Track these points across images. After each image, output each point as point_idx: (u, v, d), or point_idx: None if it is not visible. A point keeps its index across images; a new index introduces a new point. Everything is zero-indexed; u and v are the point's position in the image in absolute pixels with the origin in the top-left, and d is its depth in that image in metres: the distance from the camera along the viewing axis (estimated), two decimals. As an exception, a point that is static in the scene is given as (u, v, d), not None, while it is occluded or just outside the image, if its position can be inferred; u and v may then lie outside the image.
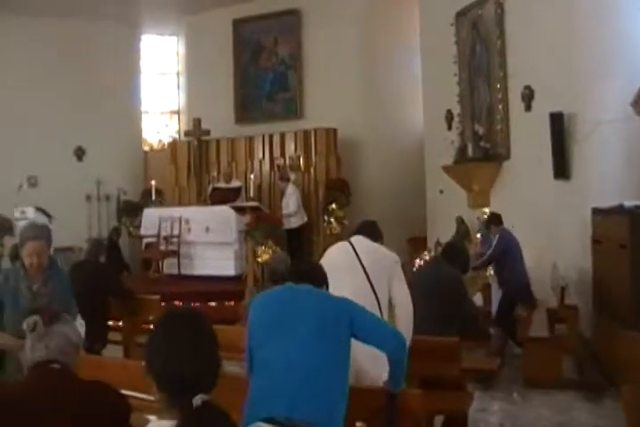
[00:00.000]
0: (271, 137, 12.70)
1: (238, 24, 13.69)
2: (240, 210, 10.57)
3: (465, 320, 4.99)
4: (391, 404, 3.05)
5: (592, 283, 6.65)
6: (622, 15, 6.96)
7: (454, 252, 5.41)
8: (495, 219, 7.84)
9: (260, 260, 9.11)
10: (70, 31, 13.29)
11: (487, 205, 9.27)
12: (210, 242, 10.70)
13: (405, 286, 4.08)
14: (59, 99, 13.22)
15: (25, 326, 2.34)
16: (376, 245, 4.21)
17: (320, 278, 3.18)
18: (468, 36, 9.52)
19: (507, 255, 7.39)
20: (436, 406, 4.03)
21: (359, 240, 4.17)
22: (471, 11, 9.38)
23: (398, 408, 3.04)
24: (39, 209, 10.93)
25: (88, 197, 13.36)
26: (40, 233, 4.31)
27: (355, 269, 3.96)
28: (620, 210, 6.05)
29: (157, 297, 6.54)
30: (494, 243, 7.66)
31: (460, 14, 9.63)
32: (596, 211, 6.54)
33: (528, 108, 8.23)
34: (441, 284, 5.04)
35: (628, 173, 6.79)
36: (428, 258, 8.91)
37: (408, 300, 4.04)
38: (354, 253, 4.04)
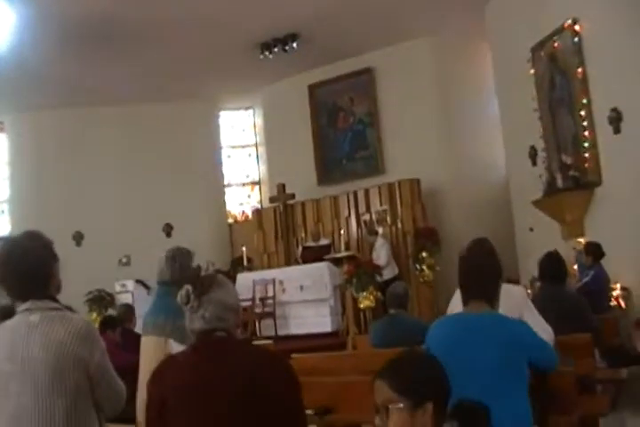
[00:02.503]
0: (355, 194, 12.84)
1: (313, 89, 14.09)
2: (336, 262, 10.61)
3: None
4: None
5: None
6: None
7: (550, 264, 5.41)
8: (593, 250, 7.64)
9: (361, 306, 9.07)
10: (153, 114, 14.15)
11: (582, 234, 9.07)
12: (305, 300, 10.74)
13: (537, 314, 4.02)
14: (146, 179, 13.99)
15: (179, 298, 2.34)
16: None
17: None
18: (546, 69, 9.58)
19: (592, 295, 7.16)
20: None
21: None
22: (547, 44, 9.47)
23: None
24: (139, 281, 11.27)
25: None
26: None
27: None
28: None
29: (270, 342, 6.55)
30: (587, 280, 7.45)
31: (536, 49, 9.72)
32: None
33: (617, 130, 8.14)
34: (562, 304, 4.99)
35: None
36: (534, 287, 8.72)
37: (545, 327, 3.95)
38: None
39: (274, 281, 11.00)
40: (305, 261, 11.62)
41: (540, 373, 3.08)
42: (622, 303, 7.65)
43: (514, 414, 2.73)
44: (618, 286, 7.69)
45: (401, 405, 1.94)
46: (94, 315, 11.15)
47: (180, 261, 4.06)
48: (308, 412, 3.90)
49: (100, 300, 12.00)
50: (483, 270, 3.08)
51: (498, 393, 2.69)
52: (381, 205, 12.42)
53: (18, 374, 2.41)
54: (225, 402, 2.13)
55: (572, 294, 5.41)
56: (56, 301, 2.59)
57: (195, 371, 2.21)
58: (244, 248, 12.65)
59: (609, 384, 5.72)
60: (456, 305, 3.75)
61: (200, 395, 2.15)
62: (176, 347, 3.52)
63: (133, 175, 13.95)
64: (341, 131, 13.99)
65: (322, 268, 10.76)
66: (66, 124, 13.69)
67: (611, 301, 7.49)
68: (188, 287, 2.31)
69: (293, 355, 5.53)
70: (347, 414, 4.11)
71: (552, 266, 5.45)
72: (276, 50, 12.08)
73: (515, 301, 3.84)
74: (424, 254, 11.29)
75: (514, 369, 2.83)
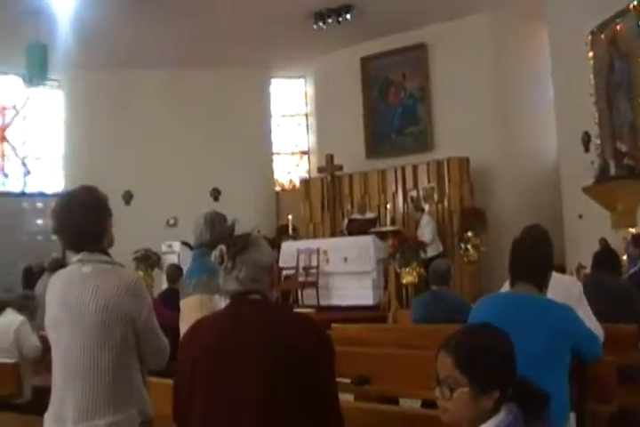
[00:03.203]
0: (403, 169, 12.87)
1: (365, 61, 14.07)
2: (381, 236, 10.69)
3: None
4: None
5: None
6: None
7: (605, 256, 5.50)
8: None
9: (404, 281, 9.17)
10: (205, 80, 14.25)
11: (634, 224, 8.96)
12: (348, 272, 10.82)
13: (589, 309, 3.97)
14: (196, 144, 14.15)
15: (212, 258, 2.32)
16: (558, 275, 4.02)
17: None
18: (606, 52, 9.43)
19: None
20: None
21: None
22: (608, 26, 9.31)
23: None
24: (185, 243, 11.50)
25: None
26: None
27: None
28: None
29: (312, 310, 6.67)
30: (636, 270, 7.42)
31: (596, 32, 9.57)
32: None
33: (676, 119, 8.03)
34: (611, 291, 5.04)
35: None
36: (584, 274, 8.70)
37: (596, 324, 3.84)
38: None
39: (318, 251, 11.08)
40: (350, 233, 11.73)
41: (580, 360, 3.11)
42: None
43: (552, 400, 2.80)
44: (669, 278, 7.62)
45: (466, 389, 1.87)
46: (140, 273, 11.47)
47: (219, 224, 4.06)
48: (345, 380, 4.02)
49: (147, 259, 12.34)
50: (534, 255, 3.12)
51: (538, 375, 2.71)
52: (429, 182, 12.42)
53: (68, 321, 2.54)
54: (255, 369, 2.08)
55: (624, 284, 5.43)
56: (108, 255, 2.69)
57: (226, 335, 2.17)
58: (290, 217, 12.80)
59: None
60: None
61: (230, 360, 2.12)
62: (224, 304, 3.52)
63: (184, 139, 14.12)
64: (392, 105, 13.95)
65: (367, 241, 10.85)
66: (119, 85, 13.86)
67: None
68: (222, 247, 2.28)
69: (334, 324, 5.63)
70: (383, 386, 4.11)
71: (606, 255, 5.51)
72: (329, 20, 12.07)
73: (566, 291, 3.76)
74: (469, 234, 11.31)
75: (557, 354, 2.87)
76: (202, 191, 14.19)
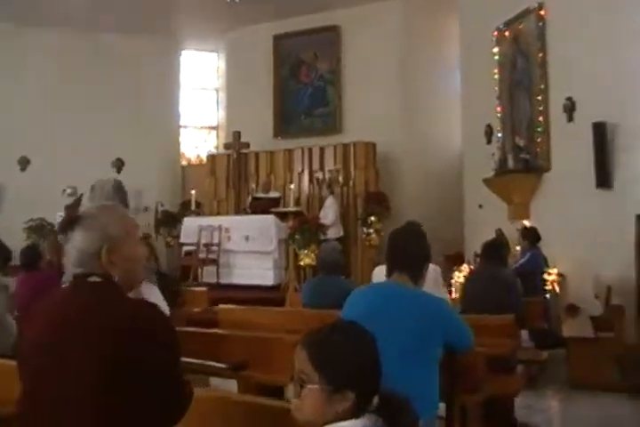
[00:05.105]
0: (310, 151, 12.88)
1: (278, 39, 14.01)
2: (282, 216, 10.70)
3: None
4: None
5: (636, 288, 6.69)
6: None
7: (493, 248, 5.72)
8: (529, 234, 7.94)
9: (302, 263, 9.22)
10: (112, 44, 13.68)
11: (527, 217, 9.30)
12: (249, 251, 10.83)
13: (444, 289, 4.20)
14: (100, 110, 13.59)
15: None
16: None
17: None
18: (509, 49, 9.68)
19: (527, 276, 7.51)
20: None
21: None
22: (512, 25, 9.55)
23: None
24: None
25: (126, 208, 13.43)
26: None
27: None
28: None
29: (204, 289, 6.61)
30: (523, 261, 7.77)
31: (501, 29, 9.80)
32: (640, 217, 6.60)
33: (570, 119, 8.33)
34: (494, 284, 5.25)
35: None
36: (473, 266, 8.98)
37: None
38: None
39: (220, 228, 11.03)
40: (254, 212, 11.64)
41: (451, 351, 3.15)
42: (557, 288, 7.95)
43: (421, 391, 2.75)
44: (555, 270, 7.98)
45: (316, 386, 1.75)
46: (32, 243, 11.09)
47: (122, 193, 3.85)
48: (222, 366, 3.85)
49: (41, 228, 11.95)
50: (410, 246, 3.16)
51: (406, 366, 2.75)
52: (335, 164, 12.51)
53: None
54: (81, 366, 1.80)
55: (508, 276, 5.66)
56: None
57: (53, 323, 1.90)
58: (193, 192, 12.66)
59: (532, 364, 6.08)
60: (378, 278, 3.85)
61: (52, 354, 1.86)
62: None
63: (87, 105, 13.52)
64: (303, 85, 13.98)
65: (269, 220, 10.87)
66: (17, 43, 13.14)
67: (546, 284, 7.78)
68: (61, 215, 2.04)
69: (221, 306, 5.56)
70: (260, 373, 3.86)
71: (494, 247, 5.71)
72: (243, -6, 11.80)
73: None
74: (372, 219, 11.48)
75: (427, 345, 2.89)
76: (104, 161, 13.67)
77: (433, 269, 4.35)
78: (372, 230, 11.40)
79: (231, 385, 4.15)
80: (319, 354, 1.78)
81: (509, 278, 5.62)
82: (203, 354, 3.86)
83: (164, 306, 3.52)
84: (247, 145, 12.94)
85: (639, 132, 7.27)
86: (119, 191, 3.83)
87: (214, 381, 4.30)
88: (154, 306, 1.96)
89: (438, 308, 3.00)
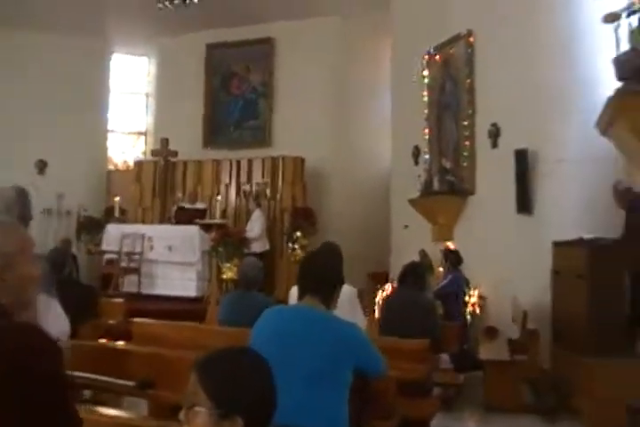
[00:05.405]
0: (239, 163, 12.83)
1: (211, 49, 13.94)
2: (207, 228, 10.58)
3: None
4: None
5: (551, 312, 6.85)
6: (582, 60, 7.34)
7: (409, 272, 5.77)
8: (451, 257, 8.09)
9: (224, 277, 9.12)
10: (40, 43, 13.27)
11: (450, 238, 9.44)
12: (172, 261, 10.68)
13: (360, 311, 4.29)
14: (23, 110, 13.17)
15: None
16: None
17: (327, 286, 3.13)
18: (439, 73, 9.86)
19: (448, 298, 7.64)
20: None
21: None
22: (443, 49, 9.73)
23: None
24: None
25: (47, 211, 12.99)
26: None
27: None
28: (579, 242, 6.28)
29: (121, 300, 6.48)
30: (445, 283, 7.91)
31: (432, 53, 9.98)
32: (557, 244, 6.77)
33: (494, 144, 8.52)
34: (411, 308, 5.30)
35: (586, 209, 7.07)
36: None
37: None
38: None
39: (143, 237, 10.84)
40: (178, 222, 11.46)
41: (363, 376, 3.12)
42: (478, 310, 8.08)
43: (329, 414, 2.78)
44: (476, 293, 8.11)
45: (204, 409, 1.70)
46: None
47: (23, 201, 3.69)
48: (128, 383, 3.72)
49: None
50: (322, 269, 3.13)
51: (316, 390, 2.73)
52: (263, 177, 12.48)
53: None
54: None
55: (427, 300, 5.73)
56: None
57: None
58: (117, 198, 12.39)
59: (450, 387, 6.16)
60: (294, 298, 3.83)
61: None
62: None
63: (10, 102, 13.08)
64: (234, 96, 13.95)
65: (192, 231, 10.75)
66: None
67: (467, 306, 7.89)
68: None
69: (136, 319, 5.38)
70: (168, 392, 3.67)
71: (411, 272, 5.75)
72: (176, 1, 11.55)
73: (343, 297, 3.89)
74: (298, 234, 11.47)
75: (336, 370, 2.84)
76: (25, 162, 13.21)
77: (349, 291, 4.31)
78: (297, 246, 11.36)
79: (143, 406, 4.03)
80: (209, 377, 1.73)
81: (428, 303, 5.70)
82: (110, 370, 3.75)
83: (62, 321, 3.41)
84: (175, 153, 12.71)
85: (559, 159, 7.49)
86: (21, 199, 3.65)
87: (127, 401, 4.18)
88: (38, 334, 1.78)
89: (350, 333, 2.98)
